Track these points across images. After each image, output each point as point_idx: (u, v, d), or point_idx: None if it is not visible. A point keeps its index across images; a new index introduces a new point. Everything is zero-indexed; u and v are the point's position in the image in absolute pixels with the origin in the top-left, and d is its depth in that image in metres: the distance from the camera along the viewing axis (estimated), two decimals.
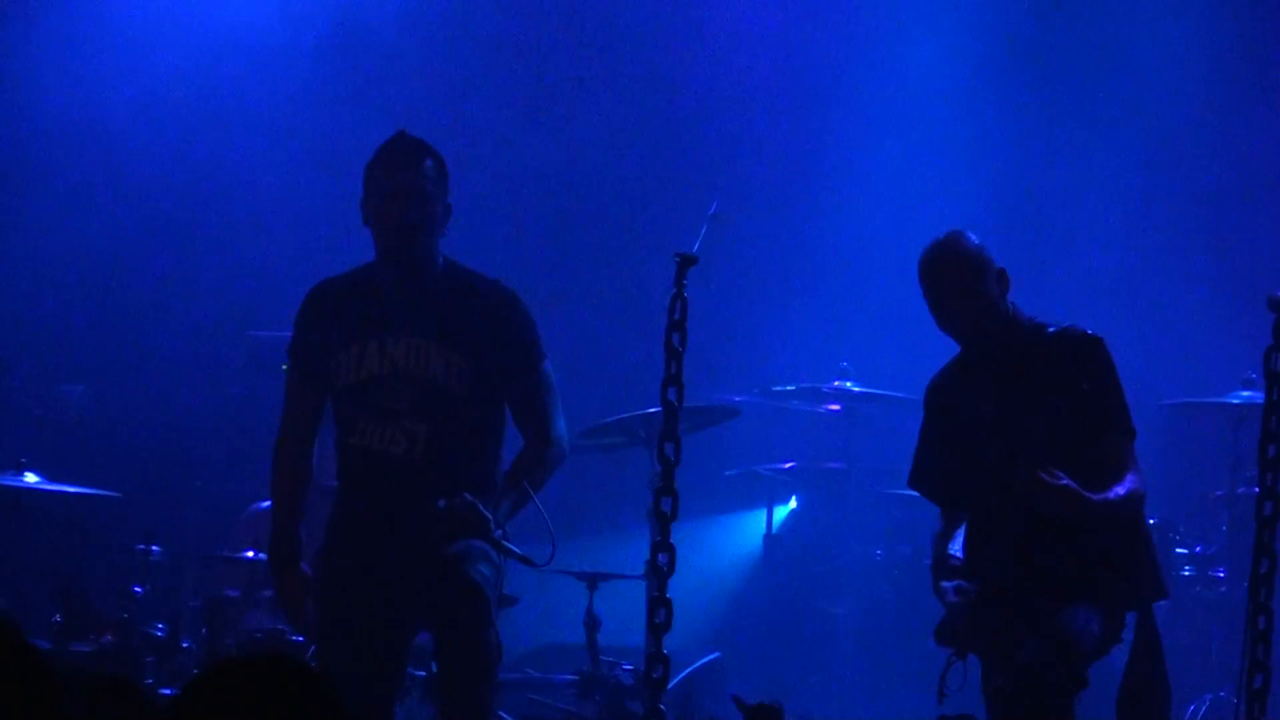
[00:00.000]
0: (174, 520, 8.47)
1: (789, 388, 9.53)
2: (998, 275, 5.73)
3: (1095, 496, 5.48)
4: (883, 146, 10.19)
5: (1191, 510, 8.88)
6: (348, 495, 5.92)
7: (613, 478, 9.05)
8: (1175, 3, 10.19)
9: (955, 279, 5.68)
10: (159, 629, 7.21)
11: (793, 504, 9.67)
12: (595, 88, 10.15)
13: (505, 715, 7.26)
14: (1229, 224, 10.01)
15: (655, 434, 5.65)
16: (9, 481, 7.43)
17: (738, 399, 8.93)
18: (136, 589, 7.34)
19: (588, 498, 9.47)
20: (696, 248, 5.52)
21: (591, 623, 7.52)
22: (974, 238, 5.76)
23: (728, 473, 9.61)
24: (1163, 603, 5.80)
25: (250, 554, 7.61)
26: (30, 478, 7.44)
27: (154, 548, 7.54)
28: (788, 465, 9.58)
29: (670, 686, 5.48)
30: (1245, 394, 8.56)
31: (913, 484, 5.99)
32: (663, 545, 5.33)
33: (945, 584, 5.64)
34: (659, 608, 5.31)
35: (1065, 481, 5.43)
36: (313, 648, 6.23)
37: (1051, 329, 5.76)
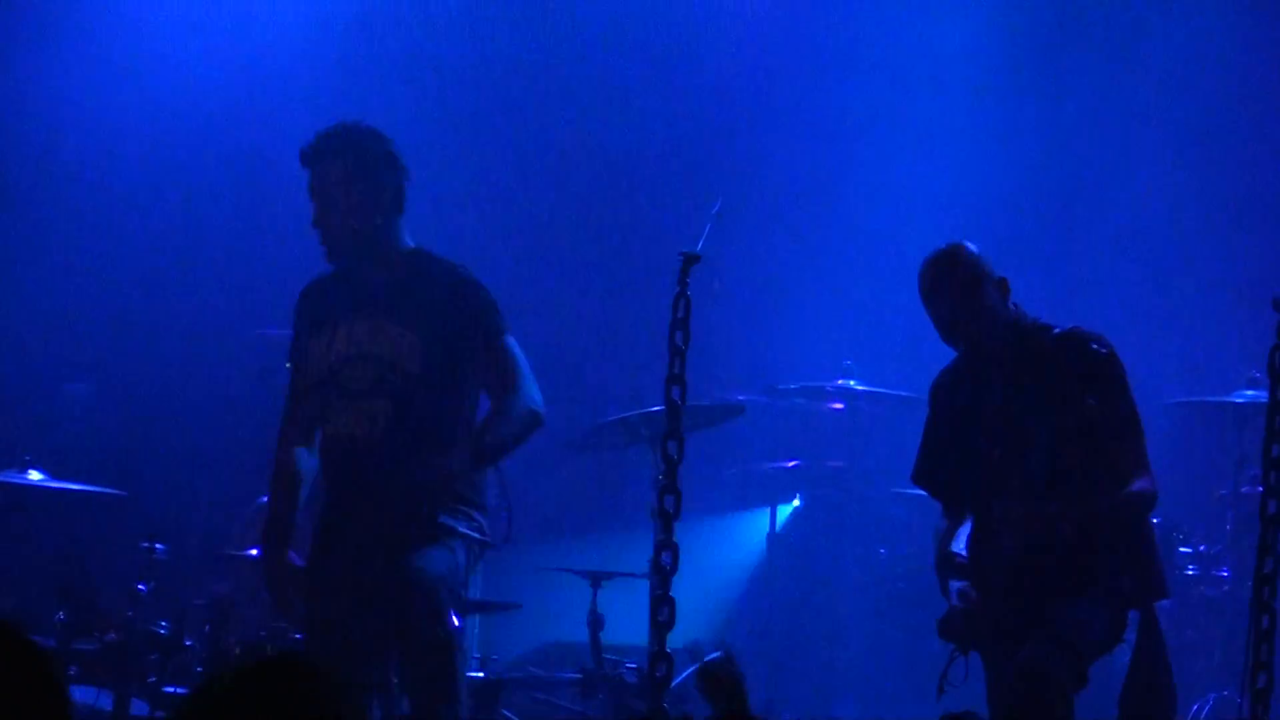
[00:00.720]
0: (178, 518, 8.48)
1: (792, 386, 9.53)
2: (998, 284, 5.73)
3: (1098, 502, 5.49)
4: (888, 144, 10.18)
5: (1196, 510, 8.88)
6: (328, 484, 5.98)
7: (616, 476, 9.05)
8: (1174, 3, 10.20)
9: (954, 297, 5.69)
10: (163, 627, 7.20)
11: (796, 503, 9.67)
12: (600, 86, 10.15)
13: (509, 714, 7.26)
14: (1235, 223, 10.00)
15: (658, 432, 5.65)
16: (13, 479, 7.43)
17: (741, 397, 8.93)
18: (140, 587, 7.33)
19: (591, 496, 9.48)
20: (700, 246, 5.52)
21: (595, 621, 7.52)
22: (973, 248, 5.75)
23: (731, 471, 9.61)
24: (1166, 602, 5.80)
25: (254, 552, 7.62)
26: (34, 475, 7.44)
27: (158, 546, 7.53)
28: (791, 464, 9.58)
29: (673, 685, 5.48)
30: (1250, 393, 8.56)
31: (916, 480, 6.00)
32: (666, 544, 5.33)
33: (953, 584, 5.65)
34: (662, 606, 5.31)
35: (1054, 508, 5.45)
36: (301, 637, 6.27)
37: (1057, 330, 5.76)
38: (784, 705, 8.63)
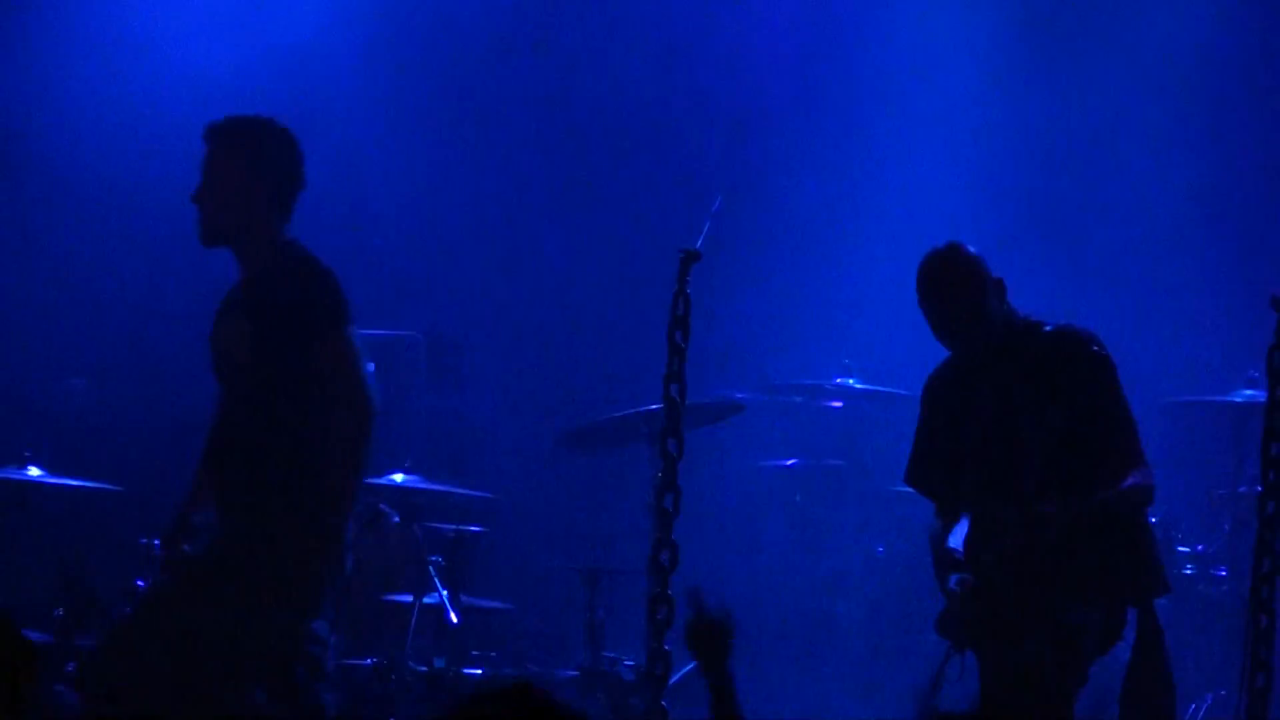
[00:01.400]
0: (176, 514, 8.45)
1: (791, 384, 9.53)
2: (995, 285, 5.73)
3: (1094, 499, 5.49)
4: (888, 142, 10.18)
5: (1193, 509, 8.88)
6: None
7: (615, 474, 9.05)
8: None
9: (953, 299, 5.68)
10: None
11: (794, 500, 9.66)
12: (599, 81, 10.15)
13: None
14: (1233, 221, 10.01)
15: (657, 430, 5.65)
16: (13, 475, 7.44)
17: (740, 395, 8.92)
18: (139, 583, 7.32)
19: (589, 494, 9.48)
20: (699, 244, 5.52)
21: (592, 619, 7.52)
22: (971, 249, 5.75)
23: (730, 469, 9.61)
24: (1163, 602, 5.80)
25: None
26: (34, 471, 7.45)
27: (156, 541, 7.52)
28: (789, 462, 9.57)
29: (671, 683, 5.49)
30: (1248, 392, 8.56)
31: (908, 480, 6.00)
32: (664, 541, 5.34)
33: (952, 575, 5.65)
34: (660, 604, 5.32)
35: (1050, 509, 5.45)
36: None
37: (1048, 328, 5.76)
38: (781, 703, 8.63)
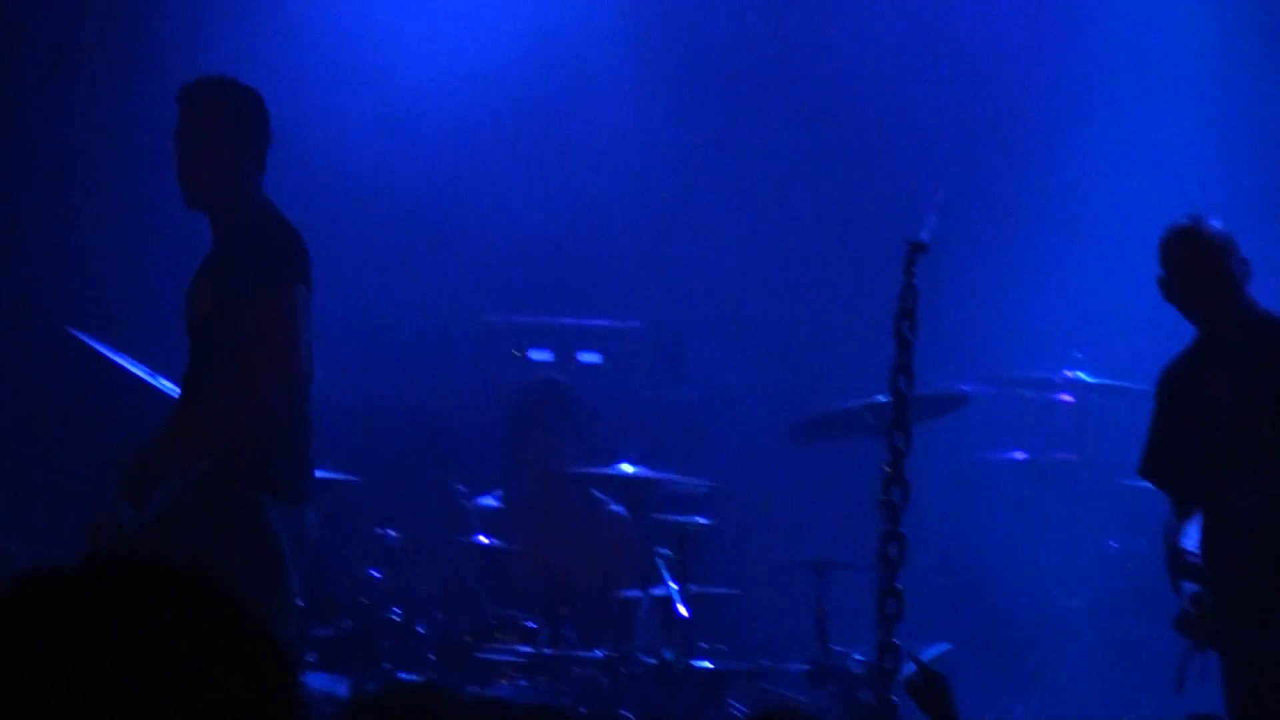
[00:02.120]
0: (410, 505, 8.58)
1: (1020, 377, 9.42)
2: (1242, 264, 5.65)
3: None
4: (1122, 127, 10.01)
5: None
6: None
7: (842, 465, 9.01)
8: None
9: (1206, 257, 5.61)
10: (395, 614, 7.31)
11: (1022, 494, 9.55)
12: (829, 77, 10.11)
13: (735, 704, 7.28)
14: None
15: (884, 422, 5.63)
16: None
17: (966, 388, 8.84)
18: (373, 573, 7.44)
19: (815, 486, 9.45)
20: (926, 235, 5.49)
21: (820, 612, 7.51)
22: (1219, 223, 5.68)
23: (957, 461, 9.52)
24: None
25: (484, 539, 7.73)
26: None
27: (390, 532, 7.64)
28: (1018, 456, 9.47)
29: (901, 677, 5.46)
30: None
31: (1142, 473, 5.93)
32: (893, 534, 5.32)
33: (1185, 584, 5.56)
34: (889, 597, 5.30)
35: None
36: None
37: None
38: (1013, 701, 8.55)
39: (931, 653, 8.38)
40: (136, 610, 1.84)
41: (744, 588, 8.03)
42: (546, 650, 7.21)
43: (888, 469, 5.34)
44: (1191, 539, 5.63)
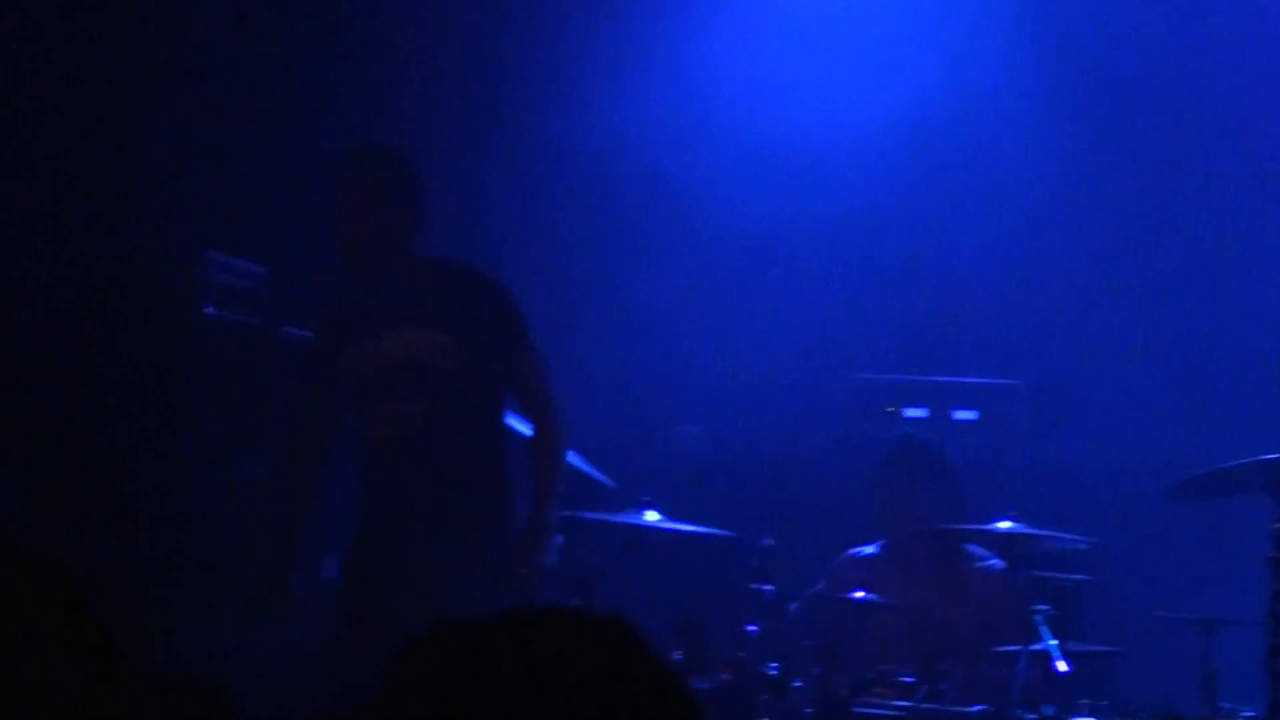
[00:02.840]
0: (783, 560, 8.61)
1: None
2: None
3: None
4: None
5: None
6: (367, 490, 6.51)
7: (1228, 521, 8.78)
8: None
9: None
10: (772, 668, 7.34)
11: None
12: (1231, 135, 9.78)
13: None
14: None
15: (1273, 479, 5.47)
16: (632, 520, 7.71)
17: None
18: (750, 628, 7.49)
19: (1200, 542, 9.22)
20: None
21: (1208, 671, 7.32)
22: None
23: None
24: None
25: (860, 595, 7.73)
26: (651, 515, 7.70)
27: (766, 587, 7.68)
28: None
29: None
30: None
31: None
32: None
33: None
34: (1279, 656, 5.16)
35: None
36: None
37: None
38: None
39: None
40: (572, 657, 1.92)
41: (1126, 645, 7.87)
42: (924, 705, 7.18)
43: (1279, 526, 5.20)
44: None
